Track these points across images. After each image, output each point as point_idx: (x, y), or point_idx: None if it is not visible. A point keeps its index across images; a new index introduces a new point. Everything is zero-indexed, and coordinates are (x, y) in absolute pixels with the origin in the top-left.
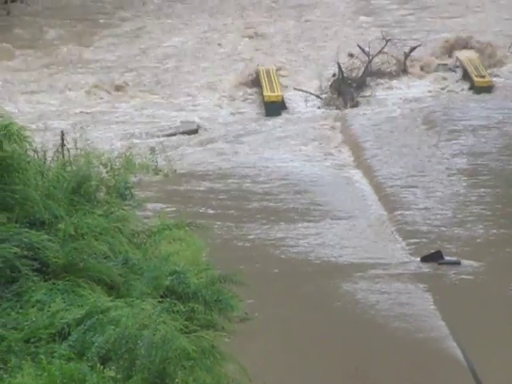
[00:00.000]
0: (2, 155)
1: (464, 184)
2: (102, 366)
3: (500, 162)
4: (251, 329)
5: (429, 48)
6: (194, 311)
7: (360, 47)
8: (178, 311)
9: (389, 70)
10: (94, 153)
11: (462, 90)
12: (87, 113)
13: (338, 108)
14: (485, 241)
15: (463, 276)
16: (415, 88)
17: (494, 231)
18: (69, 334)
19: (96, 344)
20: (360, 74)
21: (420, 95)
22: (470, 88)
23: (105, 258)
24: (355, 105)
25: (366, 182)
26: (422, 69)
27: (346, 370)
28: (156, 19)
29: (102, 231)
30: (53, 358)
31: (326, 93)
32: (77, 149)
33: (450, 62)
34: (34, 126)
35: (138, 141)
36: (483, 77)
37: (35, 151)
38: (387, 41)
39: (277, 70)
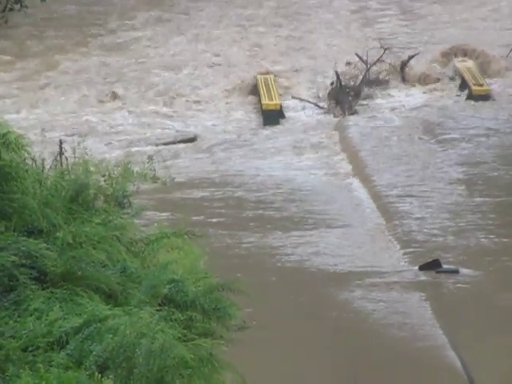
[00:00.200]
0: (0, 164)
1: (462, 193)
2: (100, 375)
3: (499, 170)
4: (249, 337)
5: (427, 56)
6: (192, 319)
7: (358, 56)
8: (176, 320)
9: (387, 78)
10: (92, 161)
11: (459, 99)
12: (85, 122)
13: (335, 116)
14: (483, 250)
15: (461, 285)
16: (413, 96)
17: (493, 240)
18: (67, 342)
19: (94, 352)
20: (358, 83)
21: (418, 104)
22: (468, 96)
23: (103, 267)
24: (353, 113)
25: (363, 190)
26: (419, 77)
27: (343, 379)
28: (153, 29)
29: (100, 240)
30: (51, 366)
31: (324, 101)
32: (75, 157)
33: (447, 70)
34: (31, 135)
35: (135, 149)
36: (481, 85)
37: (33, 160)
38: (385, 49)
39: (275, 78)
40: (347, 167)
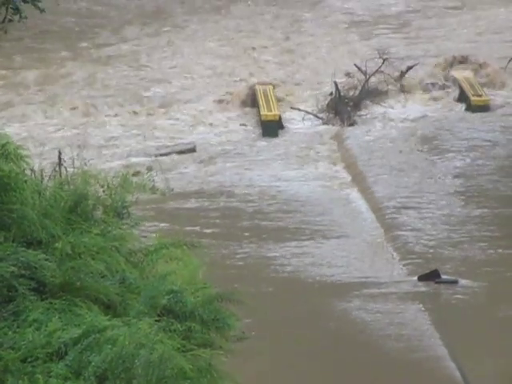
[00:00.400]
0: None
1: (460, 204)
2: None
3: (497, 182)
4: (248, 348)
5: (425, 67)
6: (191, 330)
7: (357, 66)
8: (175, 330)
9: (385, 89)
10: (91, 172)
11: (458, 110)
12: (83, 132)
13: (334, 127)
14: (482, 261)
15: (460, 295)
16: (411, 107)
17: (492, 251)
18: (66, 353)
19: (93, 363)
20: (357, 93)
21: (416, 114)
22: (467, 107)
23: (102, 277)
24: (352, 124)
25: (362, 201)
26: (418, 88)
27: None
28: (149, 42)
29: (99, 250)
30: (50, 377)
31: (323, 112)
32: (74, 168)
33: (446, 81)
34: (30, 145)
35: (134, 159)
36: (480, 96)
37: (32, 170)
38: (384, 60)
39: (274, 89)
40: (346, 178)
